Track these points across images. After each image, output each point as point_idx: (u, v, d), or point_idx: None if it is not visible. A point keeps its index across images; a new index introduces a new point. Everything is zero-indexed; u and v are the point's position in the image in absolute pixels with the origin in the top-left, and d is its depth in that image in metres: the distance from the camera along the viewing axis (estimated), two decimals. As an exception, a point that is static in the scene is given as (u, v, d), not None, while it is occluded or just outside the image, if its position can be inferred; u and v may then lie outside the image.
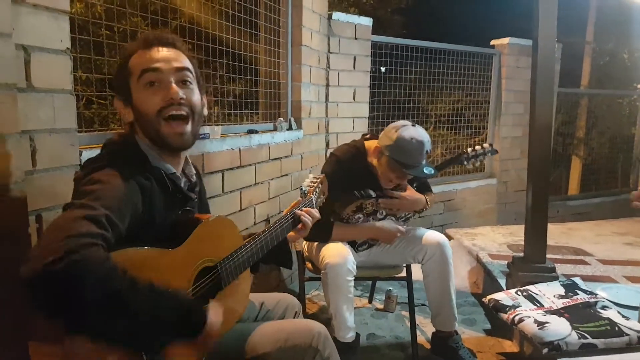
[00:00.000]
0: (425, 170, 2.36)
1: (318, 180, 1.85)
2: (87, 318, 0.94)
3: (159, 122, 1.26)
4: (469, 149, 2.69)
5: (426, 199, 2.58)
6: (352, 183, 2.42)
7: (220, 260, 1.35)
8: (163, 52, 1.29)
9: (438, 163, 2.74)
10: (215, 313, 1.20)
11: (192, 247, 1.25)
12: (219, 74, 2.79)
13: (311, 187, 1.79)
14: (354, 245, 2.54)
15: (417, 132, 2.34)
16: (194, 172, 1.49)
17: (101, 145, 1.35)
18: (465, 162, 2.70)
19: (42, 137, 1.44)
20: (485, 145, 2.70)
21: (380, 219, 2.53)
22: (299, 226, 1.64)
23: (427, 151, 2.35)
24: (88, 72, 2.05)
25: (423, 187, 2.66)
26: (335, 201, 2.32)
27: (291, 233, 1.65)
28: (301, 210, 1.65)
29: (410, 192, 2.52)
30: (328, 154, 2.67)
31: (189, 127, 1.31)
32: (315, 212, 1.69)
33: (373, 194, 2.43)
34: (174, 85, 1.26)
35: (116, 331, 0.98)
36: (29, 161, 1.40)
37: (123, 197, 1.13)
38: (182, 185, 1.40)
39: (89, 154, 1.58)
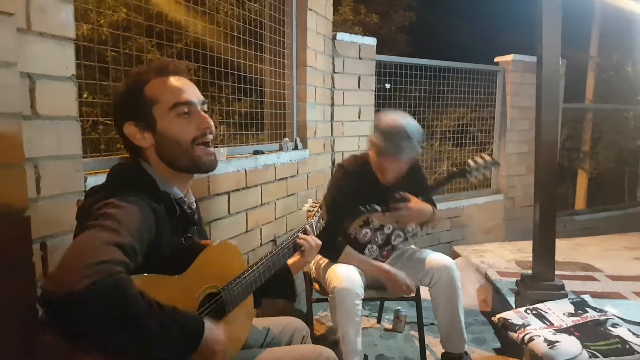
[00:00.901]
0: (405, 151, 2.38)
1: (318, 205, 1.88)
2: (112, 341, 0.95)
3: (193, 149, 1.34)
4: (471, 162, 2.65)
5: (433, 210, 2.57)
6: (359, 193, 2.44)
7: (224, 286, 1.35)
8: (183, 81, 1.37)
9: (442, 178, 2.69)
10: (210, 327, 1.17)
11: (196, 272, 1.25)
12: (224, 96, 2.81)
13: (310, 212, 1.81)
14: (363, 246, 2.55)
15: (398, 117, 2.42)
16: (194, 199, 1.51)
17: (106, 170, 1.36)
18: (468, 176, 2.66)
19: (46, 164, 1.44)
20: (486, 156, 2.62)
21: (387, 234, 2.53)
22: (300, 252, 1.67)
23: (409, 135, 2.36)
24: (94, 94, 2.07)
25: (427, 202, 2.63)
26: (341, 213, 2.35)
27: (294, 259, 1.69)
28: (302, 236, 1.68)
29: (415, 202, 2.49)
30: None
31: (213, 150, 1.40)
32: (316, 239, 1.72)
33: (379, 208, 2.41)
34: (206, 115, 1.36)
35: (140, 348, 1.00)
36: (33, 188, 1.40)
37: (142, 224, 1.15)
38: (186, 209, 1.41)
39: (94, 180, 1.59)
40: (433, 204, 2.65)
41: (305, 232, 1.73)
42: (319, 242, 1.74)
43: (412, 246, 2.77)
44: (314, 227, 1.80)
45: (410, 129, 2.38)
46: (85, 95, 2.37)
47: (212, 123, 1.37)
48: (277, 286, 1.64)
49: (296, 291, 1.75)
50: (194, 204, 1.49)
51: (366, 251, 2.58)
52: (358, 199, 2.38)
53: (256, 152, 2.86)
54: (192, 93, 1.36)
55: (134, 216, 1.14)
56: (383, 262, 2.59)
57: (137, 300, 0.97)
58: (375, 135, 2.45)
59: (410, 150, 2.40)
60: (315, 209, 1.85)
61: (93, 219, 1.10)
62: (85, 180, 1.60)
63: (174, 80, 1.35)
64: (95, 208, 1.15)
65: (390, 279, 2.45)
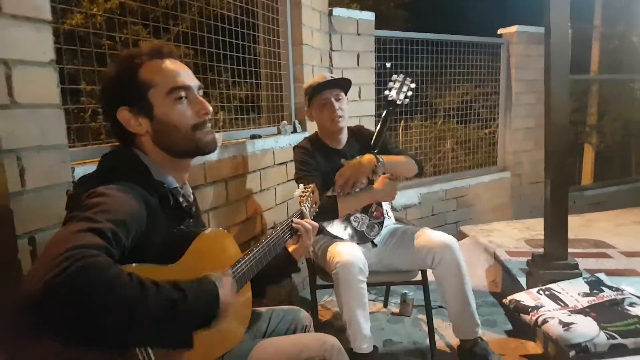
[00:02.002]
0: (335, 83, 2.49)
1: (309, 190, 1.84)
2: (103, 329, 0.87)
3: (194, 134, 1.30)
4: (387, 92, 2.56)
5: (375, 158, 2.45)
6: (318, 165, 2.48)
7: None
8: (178, 64, 1.31)
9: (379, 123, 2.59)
10: (226, 282, 1.19)
11: (190, 261, 1.18)
12: (219, 78, 2.70)
13: (303, 197, 1.77)
14: (364, 235, 2.48)
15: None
16: (191, 191, 1.45)
17: (95, 160, 1.30)
18: (396, 103, 2.53)
19: (30, 156, 1.37)
20: (396, 77, 2.59)
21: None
22: (297, 237, 1.64)
23: (332, 77, 2.52)
24: (92, 83, 1.99)
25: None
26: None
27: (294, 246, 1.65)
28: (297, 220, 1.65)
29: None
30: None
31: None
32: (311, 222, 1.69)
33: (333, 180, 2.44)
34: (204, 100, 1.33)
35: (141, 335, 0.93)
36: (17, 181, 1.33)
37: (129, 211, 1.09)
38: (182, 201, 1.35)
39: (82, 170, 1.51)
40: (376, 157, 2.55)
41: (301, 216, 1.68)
42: (316, 224, 1.69)
43: (412, 226, 2.67)
44: (308, 212, 1.76)
45: (329, 74, 2.56)
46: (83, 86, 2.29)
47: (211, 108, 1.33)
48: (279, 271, 1.62)
49: (296, 265, 1.69)
50: (191, 196, 1.44)
51: (353, 221, 2.48)
52: (321, 171, 2.46)
53: (253, 137, 2.75)
54: (189, 77, 1.32)
55: (122, 204, 1.09)
56: (378, 222, 2.52)
57: (121, 280, 0.90)
58: (307, 99, 2.57)
59: (341, 82, 2.50)
60: (307, 194, 1.80)
61: (78, 210, 1.05)
62: (73, 171, 1.53)
63: (169, 63, 1.29)
64: (83, 197, 1.10)
65: (381, 192, 2.44)
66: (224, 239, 1.38)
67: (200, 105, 1.31)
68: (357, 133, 2.67)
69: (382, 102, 2.65)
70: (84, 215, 1.01)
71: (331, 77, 2.52)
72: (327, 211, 2.35)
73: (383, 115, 2.56)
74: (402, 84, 2.55)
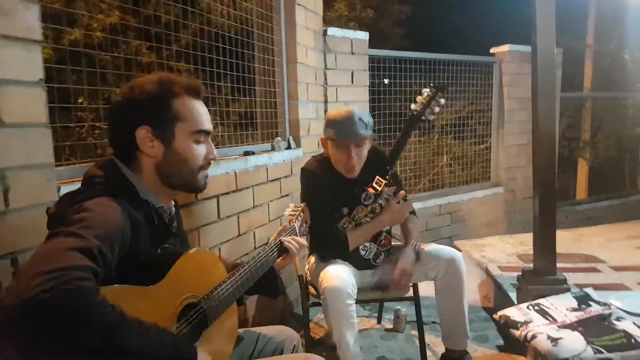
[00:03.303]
0: (360, 131, 2.35)
1: (300, 209, 1.87)
2: (76, 354, 0.87)
3: (197, 173, 1.37)
4: (413, 105, 2.42)
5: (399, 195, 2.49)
6: (326, 192, 2.42)
7: (204, 296, 1.28)
8: (205, 109, 1.40)
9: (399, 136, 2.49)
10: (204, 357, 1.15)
11: (173, 282, 1.18)
12: (217, 96, 2.75)
13: (293, 216, 1.79)
14: (369, 263, 2.49)
15: (344, 107, 2.43)
16: (173, 204, 1.46)
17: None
18: (424, 118, 2.42)
19: (15, 174, 1.36)
20: (425, 90, 2.40)
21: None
22: (285, 255, 1.66)
23: (360, 119, 2.37)
24: (90, 98, 2.02)
25: (394, 182, 2.54)
26: (325, 211, 2.39)
27: (278, 260, 1.66)
28: (287, 238, 1.67)
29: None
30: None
31: None
32: (302, 240, 1.71)
33: (345, 210, 2.44)
34: (213, 146, 1.41)
35: None
36: (0, 201, 1.32)
37: (114, 228, 1.09)
38: (167, 221, 1.37)
39: (68, 188, 1.51)
40: (399, 183, 2.60)
41: (289, 234, 1.71)
42: (304, 242, 1.72)
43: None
44: (298, 231, 1.78)
45: (358, 112, 2.40)
46: (80, 101, 2.32)
47: (217, 153, 1.43)
48: (261, 284, 1.58)
49: (280, 289, 1.73)
50: (173, 209, 1.45)
51: (361, 250, 2.49)
52: (329, 197, 2.41)
53: (247, 153, 2.79)
54: (209, 122, 1.39)
55: (107, 220, 1.08)
56: (385, 250, 2.52)
57: (104, 309, 0.90)
58: (327, 131, 2.44)
59: (363, 131, 2.37)
60: (297, 213, 1.83)
61: (63, 224, 1.04)
62: (59, 190, 1.52)
63: (200, 106, 1.37)
64: (66, 214, 1.09)
65: (391, 215, 2.44)
66: (208, 258, 1.37)
67: (211, 150, 1.39)
68: (373, 158, 2.52)
69: (406, 115, 2.56)
70: (70, 231, 1.00)
71: (359, 119, 2.36)
72: (337, 247, 2.39)
73: (404, 128, 2.48)
74: (432, 98, 2.38)
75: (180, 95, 1.31)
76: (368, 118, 2.43)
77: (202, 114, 1.36)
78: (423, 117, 2.39)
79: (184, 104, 1.32)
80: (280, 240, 1.65)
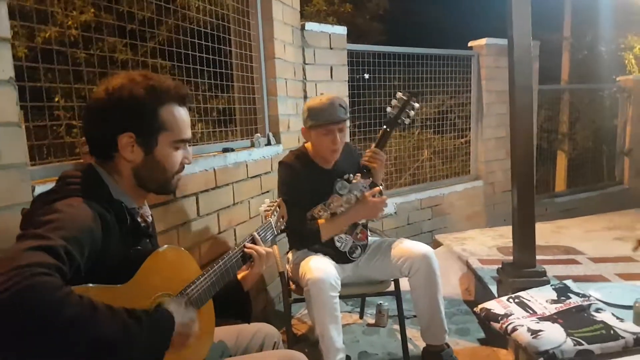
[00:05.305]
0: (342, 115, 2.42)
1: (275, 204, 1.85)
2: (48, 351, 0.86)
3: (172, 177, 1.38)
4: (389, 108, 2.53)
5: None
6: (304, 184, 2.45)
7: (178, 294, 1.27)
8: (187, 115, 1.39)
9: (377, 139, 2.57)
10: (176, 308, 1.16)
11: (144, 280, 1.17)
12: (194, 94, 2.71)
13: (268, 211, 1.77)
14: (345, 256, 2.49)
15: (323, 95, 2.47)
16: (149, 212, 1.45)
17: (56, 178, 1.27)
18: (400, 122, 2.52)
19: None
20: (400, 95, 2.51)
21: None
22: (249, 264, 1.60)
23: (340, 105, 2.42)
24: (67, 97, 1.98)
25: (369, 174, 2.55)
26: (301, 206, 2.42)
27: (244, 273, 1.62)
28: (249, 245, 1.60)
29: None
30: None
31: None
32: (266, 249, 1.63)
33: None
34: (190, 151, 1.42)
35: (93, 358, 0.92)
36: None
37: (84, 228, 1.07)
38: (140, 221, 1.35)
39: (42, 188, 1.48)
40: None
41: (253, 241, 1.63)
42: (270, 250, 1.65)
43: (387, 238, 2.72)
44: (274, 226, 1.76)
45: (337, 98, 2.45)
46: (57, 99, 2.27)
47: (192, 158, 1.44)
48: (230, 305, 1.57)
49: (252, 311, 1.67)
50: (150, 217, 1.45)
51: (337, 242, 2.49)
52: (307, 190, 2.44)
53: (225, 150, 2.76)
54: (189, 129, 1.39)
55: (75, 221, 1.07)
56: (362, 245, 2.55)
57: (70, 301, 0.89)
58: (309, 120, 2.45)
59: (344, 115, 2.43)
60: (273, 208, 1.81)
61: (31, 227, 1.03)
62: (33, 190, 1.49)
63: (184, 114, 1.36)
64: (37, 214, 1.08)
65: (364, 209, 2.46)
66: (180, 257, 1.35)
67: (187, 155, 1.40)
68: (346, 151, 2.60)
69: (383, 119, 2.62)
70: (36, 233, 0.99)
71: (339, 105, 2.43)
72: (310, 237, 2.41)
73: (381, 133, 2.54)
74: (407, 102, 2.50)
75: (167, 103, 1.30)
76: (345, 103, 2.49)
77: (185, 122, 1.36)
78: (399, 120, 2.51)
79: (171, 113, 1.31)
80: (243, 246, 1.57)
